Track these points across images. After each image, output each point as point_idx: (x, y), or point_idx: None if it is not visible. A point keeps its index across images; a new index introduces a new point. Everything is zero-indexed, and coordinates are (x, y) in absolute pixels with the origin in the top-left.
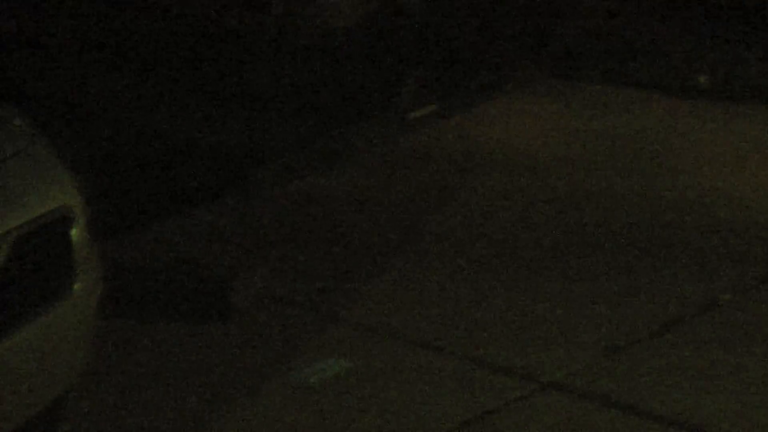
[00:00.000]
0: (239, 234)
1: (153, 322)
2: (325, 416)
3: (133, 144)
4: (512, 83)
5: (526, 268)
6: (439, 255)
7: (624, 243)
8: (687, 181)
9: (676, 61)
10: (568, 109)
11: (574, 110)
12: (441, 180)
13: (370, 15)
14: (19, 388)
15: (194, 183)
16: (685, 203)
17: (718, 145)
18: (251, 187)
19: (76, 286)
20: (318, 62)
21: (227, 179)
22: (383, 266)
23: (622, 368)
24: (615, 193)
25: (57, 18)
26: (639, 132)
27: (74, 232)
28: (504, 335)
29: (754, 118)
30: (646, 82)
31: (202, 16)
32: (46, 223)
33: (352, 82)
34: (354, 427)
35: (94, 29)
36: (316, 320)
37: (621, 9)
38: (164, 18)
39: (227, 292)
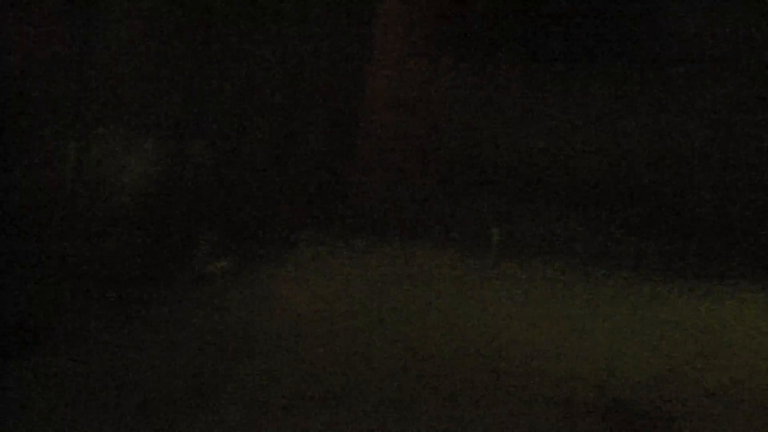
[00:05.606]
0: None
1: None
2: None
3: None
4: (307, 240)
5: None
6: (231, 405)
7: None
8: (473, 336)
9: (467, 217)
10: (359, 265)
11: (365, 266)
12: (231, 333)
13: (163, 175)
14: None
15: None
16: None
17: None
18: (40, 360)
19: None
20: (110, 225)
21: (9, 356)
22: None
23: None
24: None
25: None
26: (429, 287)
27: None
28: None
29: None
30: (440, 238)
31: None
32: None
33: (146, 242)
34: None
35: None
36: None
37: (415, 169)
38: None
39: None
